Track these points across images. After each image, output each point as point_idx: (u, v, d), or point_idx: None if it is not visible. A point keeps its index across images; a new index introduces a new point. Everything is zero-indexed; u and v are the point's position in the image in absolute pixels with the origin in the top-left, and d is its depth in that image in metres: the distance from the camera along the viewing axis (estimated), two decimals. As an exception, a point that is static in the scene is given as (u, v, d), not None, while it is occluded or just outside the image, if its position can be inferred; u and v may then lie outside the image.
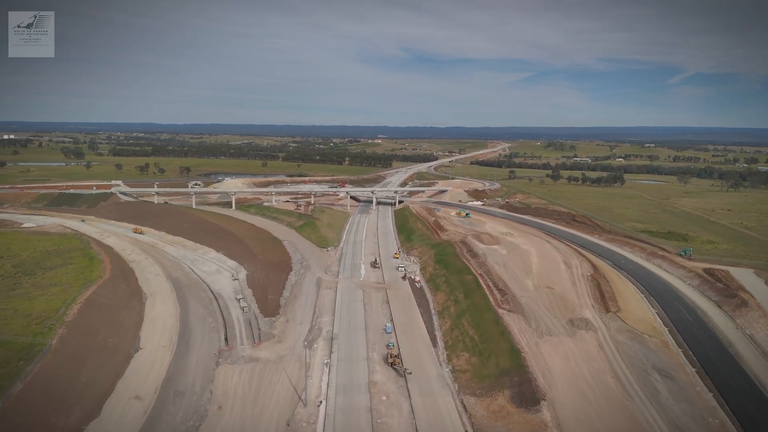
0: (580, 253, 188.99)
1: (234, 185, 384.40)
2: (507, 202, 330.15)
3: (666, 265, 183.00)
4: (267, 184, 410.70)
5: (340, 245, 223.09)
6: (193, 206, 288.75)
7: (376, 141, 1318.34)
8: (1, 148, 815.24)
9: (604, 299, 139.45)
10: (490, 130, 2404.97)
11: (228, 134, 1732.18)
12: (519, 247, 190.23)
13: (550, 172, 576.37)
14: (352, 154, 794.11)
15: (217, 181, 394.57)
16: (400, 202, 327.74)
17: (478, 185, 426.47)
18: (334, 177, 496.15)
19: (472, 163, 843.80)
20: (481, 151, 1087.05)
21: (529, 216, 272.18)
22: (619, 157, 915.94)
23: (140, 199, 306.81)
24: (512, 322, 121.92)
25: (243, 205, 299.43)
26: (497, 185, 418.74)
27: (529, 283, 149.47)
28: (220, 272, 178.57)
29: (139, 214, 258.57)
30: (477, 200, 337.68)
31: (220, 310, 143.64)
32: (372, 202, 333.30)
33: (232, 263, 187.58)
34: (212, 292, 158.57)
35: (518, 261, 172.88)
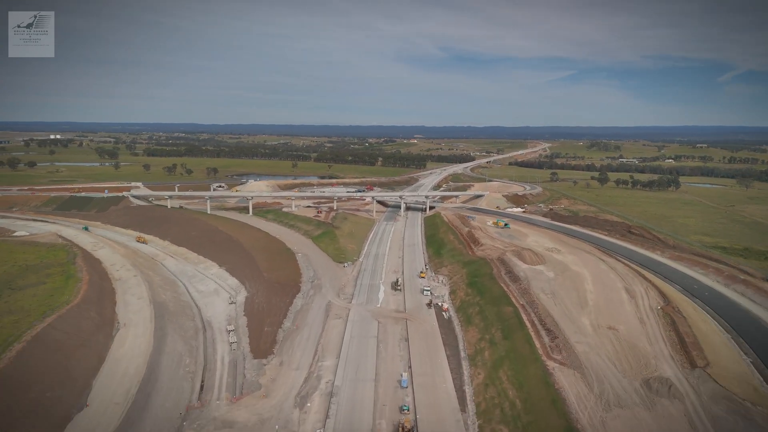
0: (643, 277, 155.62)
1: (257, 188, 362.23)
2: (551, 209, 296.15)
3: (751, 293, 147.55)
4: (292, 187, 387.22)
5: (360, 259, 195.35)
6: (208, 211, 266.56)
7: (412, 141, 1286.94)
8: (41, 148, 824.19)
9: (686, 347, 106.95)
10: (530, 130, 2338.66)
11: (266, 134, 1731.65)
12: (569, 269, 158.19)
13: (596, 174, 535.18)
14: (385, 155, 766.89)
15: (241, 184, 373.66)
16: (432, 208, 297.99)
17: (517, 188, 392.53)
18: (363, 179, 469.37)
19: (511, 164, 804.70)
20: (520, 152, 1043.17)
21: (577, 226, 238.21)
22: (668, 158, 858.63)
23: (154, 203, 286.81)
24: (567, 383, 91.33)
25: (261, 210, 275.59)
26: (539, 189, 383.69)
27: (586, 321, 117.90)
28: (217, 293, 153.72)
29: (147, 220, 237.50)
30: (517, 206, 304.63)
31: (204, 347, 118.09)
32: (400, 207, 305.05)
33: (233, 282, 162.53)
34: (202, 320, 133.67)
35: (569, 288, 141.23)
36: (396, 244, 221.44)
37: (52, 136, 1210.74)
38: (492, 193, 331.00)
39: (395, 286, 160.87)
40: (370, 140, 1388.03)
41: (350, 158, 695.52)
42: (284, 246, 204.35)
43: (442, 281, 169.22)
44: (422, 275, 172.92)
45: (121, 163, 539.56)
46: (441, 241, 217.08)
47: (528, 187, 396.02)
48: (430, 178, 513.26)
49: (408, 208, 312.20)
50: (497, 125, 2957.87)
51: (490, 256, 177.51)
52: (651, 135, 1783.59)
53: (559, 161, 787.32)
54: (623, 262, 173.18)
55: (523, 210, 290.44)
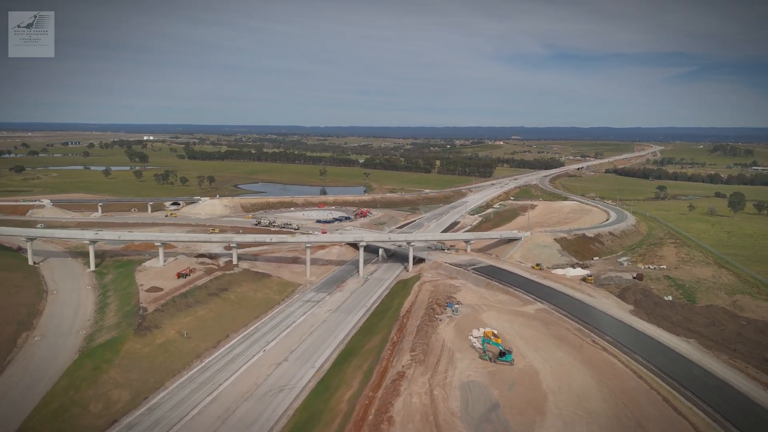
0: None
1: (210, 209, 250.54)
2: (638, 274, 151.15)
3: None
4: (263, 207, 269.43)
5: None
6: (30, 260, 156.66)
7: (497, 143, 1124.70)
8: (103, 150, 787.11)
9: None
10: (641, 131, 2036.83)
11: (356, 136, 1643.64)
12: None
13: (723, 188, 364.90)
14: (452, 159, 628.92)
15: (191, 203, 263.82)
16: (420, 260, 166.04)
17: (597, 217, 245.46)
18: (375, 197, 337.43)
19: (607, 171, 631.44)
20: (623, 156, 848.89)
21: (693, 338, 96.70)
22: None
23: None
24: None
25: (120, 261, 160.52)
26: (629, 220, 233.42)
27: None
28: None
29: None
30: (576, 263, 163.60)
31: None
32: (386, 253, 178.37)
33: None
34: None
35: None
36: (244, 388, 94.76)
37: (145, 137, 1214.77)
38: (538, 233, 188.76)
39: None
40: (457, 142, 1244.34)
41: (403, 162, 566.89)
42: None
43: None
44: None
45: (112, 168, 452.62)
46: (338, 389, 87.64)
47: (613, 215, 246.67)
48: (485, 192, 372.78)
49: (393, 255, 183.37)
50: (604, 126, 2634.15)
51: None
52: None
53: (670, 169, 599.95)
54: None
55: (586, 276, 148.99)
